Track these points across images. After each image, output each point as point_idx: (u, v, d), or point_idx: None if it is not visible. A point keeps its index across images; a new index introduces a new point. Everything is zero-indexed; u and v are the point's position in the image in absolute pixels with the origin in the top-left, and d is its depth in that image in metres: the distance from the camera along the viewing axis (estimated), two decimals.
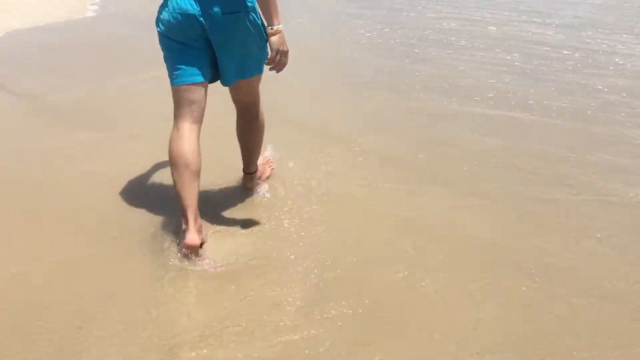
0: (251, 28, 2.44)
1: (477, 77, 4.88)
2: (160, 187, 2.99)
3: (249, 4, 2.40)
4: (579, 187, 3.01)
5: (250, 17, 2.42)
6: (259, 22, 2.47)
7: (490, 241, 2.54)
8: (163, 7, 2.42)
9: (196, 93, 2.46)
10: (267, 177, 3.04)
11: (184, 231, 2.37)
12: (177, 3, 2.37)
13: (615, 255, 2.45)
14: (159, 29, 2.45)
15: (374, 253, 2.46)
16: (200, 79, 2.45)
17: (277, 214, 2.75)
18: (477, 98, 4.37)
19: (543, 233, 2.61)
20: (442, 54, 5.63)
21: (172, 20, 2.39)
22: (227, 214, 2.75)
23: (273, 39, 2.42)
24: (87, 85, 4.79)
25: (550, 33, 6.41)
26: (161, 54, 2.51)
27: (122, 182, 3.01)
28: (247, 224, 2.66)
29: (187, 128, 2.44)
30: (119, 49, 6.02)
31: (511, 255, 2.43)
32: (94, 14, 7.66)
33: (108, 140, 3.63)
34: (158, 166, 3.14)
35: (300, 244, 2.52)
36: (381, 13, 7.66)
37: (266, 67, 2.55)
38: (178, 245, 2.43)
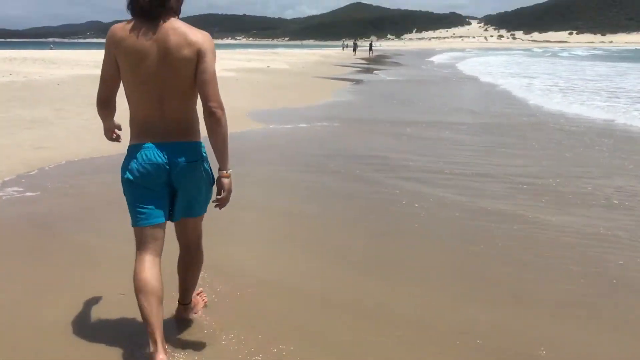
0: (203, 174, 2.86)
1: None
2: None
3: (204, 154, 2.85)
4: None
5: (205, 164, 2.86)
6: (209, 169, 2.90)
7: None
8: (130, 158, 2.74)
9: (159, 232, 2.80)
10: (201, 308, 3.33)
11: (153, 353, 2.61)
12: (145, 155, 2.70)
13: None
14: (126, 176, 2.74)
15: None
16: (163, 220, 2.80)
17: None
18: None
19: None
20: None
21: (141, 169, 2.71)
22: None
23: (225, 180, 2.75)
24: None
25: None
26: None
27: None
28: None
29: (151, 260, 2.74)
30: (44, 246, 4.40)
31: None
32: (8, 197, 5.61)
33: None
34: None
35: None
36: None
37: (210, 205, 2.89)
38: None
